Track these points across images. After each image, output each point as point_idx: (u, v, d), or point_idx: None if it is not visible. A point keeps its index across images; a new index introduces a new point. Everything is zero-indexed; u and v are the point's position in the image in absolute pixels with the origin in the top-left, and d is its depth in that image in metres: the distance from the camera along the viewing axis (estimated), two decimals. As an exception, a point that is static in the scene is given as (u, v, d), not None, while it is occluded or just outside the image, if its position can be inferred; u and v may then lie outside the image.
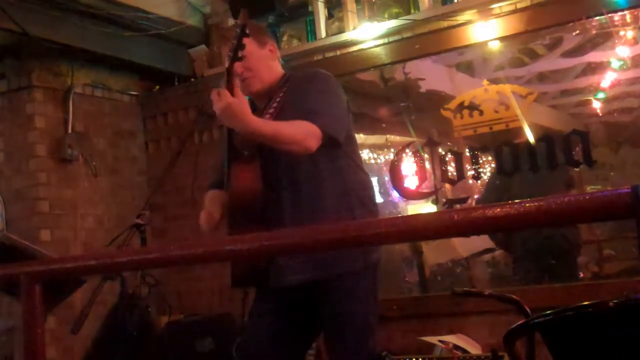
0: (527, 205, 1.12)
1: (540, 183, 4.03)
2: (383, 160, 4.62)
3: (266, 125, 2.36)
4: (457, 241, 4.27)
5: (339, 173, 2.50)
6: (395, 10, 4.68)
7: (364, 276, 2.48)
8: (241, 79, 2.50)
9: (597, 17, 3.87)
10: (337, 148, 2.47)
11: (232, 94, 2.30)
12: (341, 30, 4.76)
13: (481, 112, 4.23)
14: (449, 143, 4.35)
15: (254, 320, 2.62)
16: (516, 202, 1.13)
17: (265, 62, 2.60)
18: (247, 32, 2.34)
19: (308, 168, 2.46)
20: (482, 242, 4.28)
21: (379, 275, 2.54)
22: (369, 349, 2.47)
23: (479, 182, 4.29)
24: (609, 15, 3.84)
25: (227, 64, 2.37)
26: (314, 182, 2.47)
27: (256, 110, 2.54)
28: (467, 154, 4.27)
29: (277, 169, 2.46)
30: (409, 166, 4.44)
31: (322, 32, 4.79)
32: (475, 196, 4.36)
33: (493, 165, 4.26)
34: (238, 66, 2.42)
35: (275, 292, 2.52)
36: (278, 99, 2.55)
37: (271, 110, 2.53)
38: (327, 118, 2.41)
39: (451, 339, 3.65)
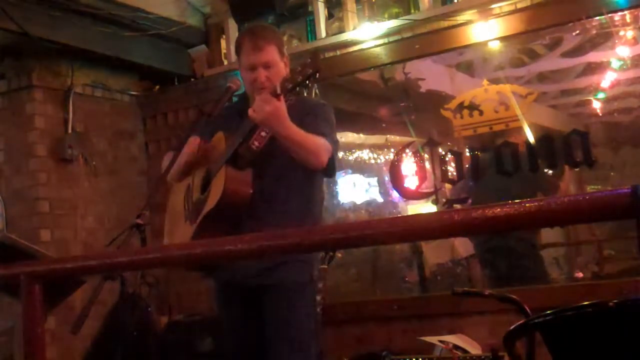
0: (527, 205, 1.12)
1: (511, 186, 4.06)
2: (383, 160, 4.61)
3: (298, 133, 2.50)
4: (457, 241, 4.27)
5: (313, 204, 2.68)
6: (395, 10, 4.68)
7: (305, 289, 2.62)
8: (261, 86, 2.61)
9: (597, 17, 3.87)
10: (327, 177, 2.71)
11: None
12: (341, 30, 4.75)
13: (481, 112, 4.22)
14: (449, 143, 4.35)
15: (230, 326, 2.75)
16: (516, 202, 1.13)
17: (281, 73, 2.67)
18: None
19: (289, 192, 2.63)
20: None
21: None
22: (306, 353, 2.59)
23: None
24: (609, 15, 3.83)
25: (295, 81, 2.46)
26: (288, 205, 2.62)
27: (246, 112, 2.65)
28: (467, 154, 4.27)
29: (261, 184, 2.58)
30: (409, 166, 4.44)
31: (322, 32, 4.79)
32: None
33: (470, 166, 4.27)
34: (262, 74, 2.61)
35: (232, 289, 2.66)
36: None
37: None
38: (332, 144, 2.60)
39: (451, 339, 3.64)
